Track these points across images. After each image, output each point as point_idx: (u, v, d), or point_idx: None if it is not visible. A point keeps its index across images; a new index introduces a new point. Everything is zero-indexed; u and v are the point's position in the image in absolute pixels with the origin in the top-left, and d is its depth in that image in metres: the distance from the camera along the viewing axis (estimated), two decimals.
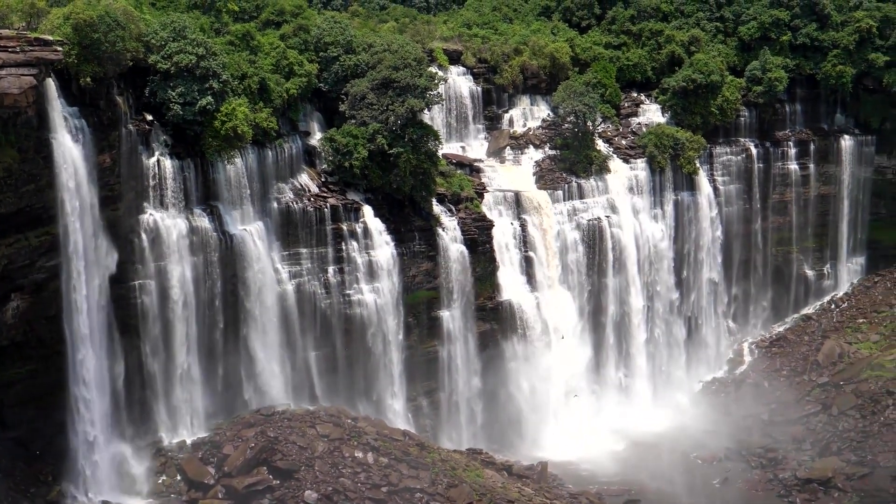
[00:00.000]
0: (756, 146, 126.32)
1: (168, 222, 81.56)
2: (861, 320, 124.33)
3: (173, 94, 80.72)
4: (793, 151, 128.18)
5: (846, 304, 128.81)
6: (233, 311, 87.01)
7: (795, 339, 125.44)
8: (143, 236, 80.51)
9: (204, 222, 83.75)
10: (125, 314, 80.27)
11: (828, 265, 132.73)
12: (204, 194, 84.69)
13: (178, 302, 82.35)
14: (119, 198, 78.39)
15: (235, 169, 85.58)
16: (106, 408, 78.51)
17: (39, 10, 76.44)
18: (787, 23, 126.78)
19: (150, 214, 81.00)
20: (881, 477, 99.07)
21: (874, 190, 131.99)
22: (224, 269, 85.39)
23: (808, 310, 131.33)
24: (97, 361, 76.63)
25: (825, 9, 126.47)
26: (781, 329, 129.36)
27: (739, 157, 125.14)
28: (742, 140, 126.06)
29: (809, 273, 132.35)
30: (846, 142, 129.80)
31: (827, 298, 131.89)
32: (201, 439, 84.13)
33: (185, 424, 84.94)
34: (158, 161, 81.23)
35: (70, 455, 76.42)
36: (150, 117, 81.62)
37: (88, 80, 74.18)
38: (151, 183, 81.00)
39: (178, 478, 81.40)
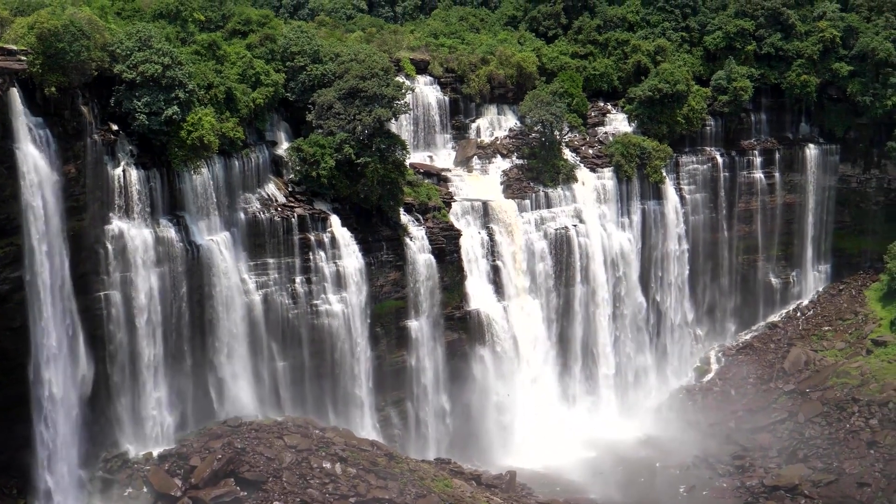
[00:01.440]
0: (722, 155, 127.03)
1: (134, 233, 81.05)
2: (826, 328, 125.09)
3: (139, 103, 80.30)
4: (758, 160, 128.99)
5: (812, 312, 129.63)
6: (199, 322, 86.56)
7: (762, 347, 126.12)
8: (109, 247, 79.97)
9: (170, 233, 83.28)
10: (90, 325, 79.58)
11: (793, 273, 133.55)
12: (170, 204, 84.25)
13: (143, 313, 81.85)
14: (84, 208, 77.86)
15: (202, 179, 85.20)
16: (71, 420, 77.75)
17: (3, 19, 75.98)
18: (751, 33, 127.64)
19: (116, 225, 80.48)
20: (847, 484, 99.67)
21: (839, 198, 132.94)
22: (190, 279, 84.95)
23: (774, 317, 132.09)
24: (62, 373, 75.98)
25: (789, 19, 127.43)
26: (748, 337, 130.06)
27: (705, 166, 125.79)
28: (708, 149, 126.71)
29: (775, 281, 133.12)
30: (811, 151, 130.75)
31: (793, 306, 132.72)
32: (168, 451, 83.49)
33: (152, 436, 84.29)
34: (124, 171, 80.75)
35: (35, 468, 75.58)
36: (115, 127, 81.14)
37: (53, 89, 73.68)
38: (117, 193, 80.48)
39: (145, 490, 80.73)
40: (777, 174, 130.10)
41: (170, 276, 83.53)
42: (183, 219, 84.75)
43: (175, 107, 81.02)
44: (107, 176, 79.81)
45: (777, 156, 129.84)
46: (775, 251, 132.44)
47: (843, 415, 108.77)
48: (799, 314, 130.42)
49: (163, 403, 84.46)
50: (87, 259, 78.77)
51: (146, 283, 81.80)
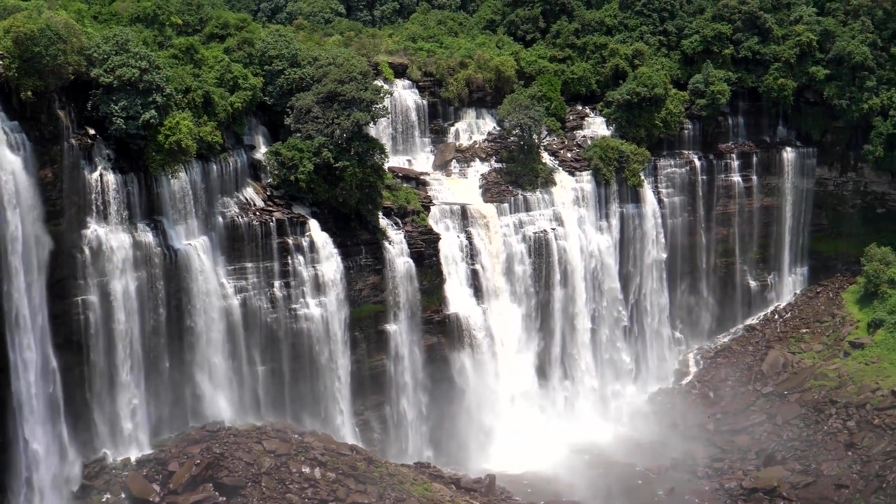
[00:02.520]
0: (700, 158, 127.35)
1: (111, 237, 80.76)
2: (804, 330, 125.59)
3: (116, 107, 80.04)
4: (736, 163, 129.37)
5: (789, 315, 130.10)
6: (177, 327, 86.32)
7: (740, 350, 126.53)
8: (86, 251, 79.67)
9: (147, 237, 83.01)
10: (68, 330, 79.39)
11: (771, 276, 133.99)
12: (148, 209, 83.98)
13: (121, 318, 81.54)
14: (61, 212, 77.54)
15: (180, 183, 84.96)
16: (49, 425, 77.45)
17: None
18: (729, 36, 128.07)
19: (93, 229, 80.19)
20: (825, 485, 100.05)
21: (816, 201, 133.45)
22: (168, 284, 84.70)
23: (752, 320, 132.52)
24: (40, 378, 75.65)
25: (766, 23, 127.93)
26: (726, 339, 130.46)
27: (683, 170, 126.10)
28: (686, 152, 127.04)
29: (753, 284, 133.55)
30: (788, 154, 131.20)
31: (770, 309, 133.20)
32: (146, 456, 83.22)
33: (130, 442, 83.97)
34: (101, 175, 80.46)
35: (13, 473, 75.43)
36: (92, 131, 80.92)
37: (29, 93, 73.47)
38: (94, 197, 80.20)
39: (123, 496, 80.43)
40: (754, 177, 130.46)
41: (147, 280, 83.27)
42: (161, 223, 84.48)
43: (152, 111, 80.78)
44: (84, 180, 79.51)
45: (754, 159, 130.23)
46: (753, 254, 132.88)
47: (821, 417, 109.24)
48: (777, 317, 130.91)
49: (141, 409, 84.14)
50: (65, 264, 78.41)
51: (123, 287, 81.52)
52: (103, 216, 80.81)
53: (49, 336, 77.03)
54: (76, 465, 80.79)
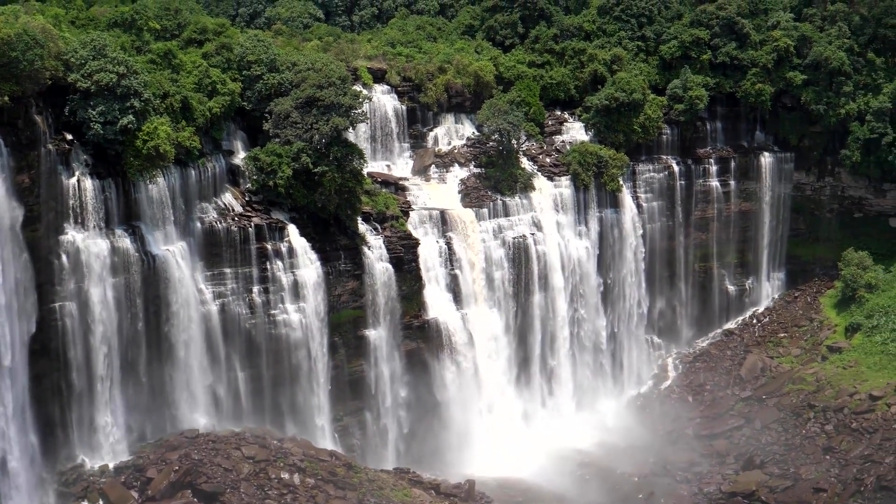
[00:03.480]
0: (678, 163, 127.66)
1: (89, 243, 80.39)
2: (782, 335, 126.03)
3: (94, 112, 79.73)
4: (714, 168, 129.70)
5: (767, 319, 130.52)
6: (156, 333, 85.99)
7: (718, 354, 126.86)
8: (64, 257, 79.29)
9: (125, 243, 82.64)
10: (45, 337, 78.93)
11: (749, 280, 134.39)
12: (126, 214, 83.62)
13: (99, 324, 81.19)
14: (38, 218, 77.22)
15: (158, 188, 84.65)
16: (26, 432, 77.14)
17: None
18: (707, 42, 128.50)
19: (71, 235, 79.80)
20: (804, 489, 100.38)
21: (793, 206, 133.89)
22: (146, 289, 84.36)
23: (730, 325, 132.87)
24: (16, 385, 75.32)
25: (744, 28, 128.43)
26: (705, 344, 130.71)
27: (662, 175, 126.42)
28: (664, 157, 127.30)
29: (731, 288, 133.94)
30: (766, 159, 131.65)
31: (749, 313, 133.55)
32: (124, 463, 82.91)
33: (108, 448, 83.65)
34: (79, 181, 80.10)
35: None
36: (70, 136, 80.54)
37: (6, 98, 73.15)
38: (72, 203, 79.81)
39: (101, 502, 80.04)
40: (732, 182, 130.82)
41: (125, 286, 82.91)
42: (139, 229, 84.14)
43: (130, 116, 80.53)
44: (61, 186, 79.16)
45: (732, 164, 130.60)
46: (731, 258, 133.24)
47: (799, 421, 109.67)
48: (755, 321, 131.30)
49: (119, 415, 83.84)
50: (42, 269, 78.05)
51: (101, 293, 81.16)
52: (81, 222, 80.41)
53: (26, 342, 76.65)
54: (53, 471, 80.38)
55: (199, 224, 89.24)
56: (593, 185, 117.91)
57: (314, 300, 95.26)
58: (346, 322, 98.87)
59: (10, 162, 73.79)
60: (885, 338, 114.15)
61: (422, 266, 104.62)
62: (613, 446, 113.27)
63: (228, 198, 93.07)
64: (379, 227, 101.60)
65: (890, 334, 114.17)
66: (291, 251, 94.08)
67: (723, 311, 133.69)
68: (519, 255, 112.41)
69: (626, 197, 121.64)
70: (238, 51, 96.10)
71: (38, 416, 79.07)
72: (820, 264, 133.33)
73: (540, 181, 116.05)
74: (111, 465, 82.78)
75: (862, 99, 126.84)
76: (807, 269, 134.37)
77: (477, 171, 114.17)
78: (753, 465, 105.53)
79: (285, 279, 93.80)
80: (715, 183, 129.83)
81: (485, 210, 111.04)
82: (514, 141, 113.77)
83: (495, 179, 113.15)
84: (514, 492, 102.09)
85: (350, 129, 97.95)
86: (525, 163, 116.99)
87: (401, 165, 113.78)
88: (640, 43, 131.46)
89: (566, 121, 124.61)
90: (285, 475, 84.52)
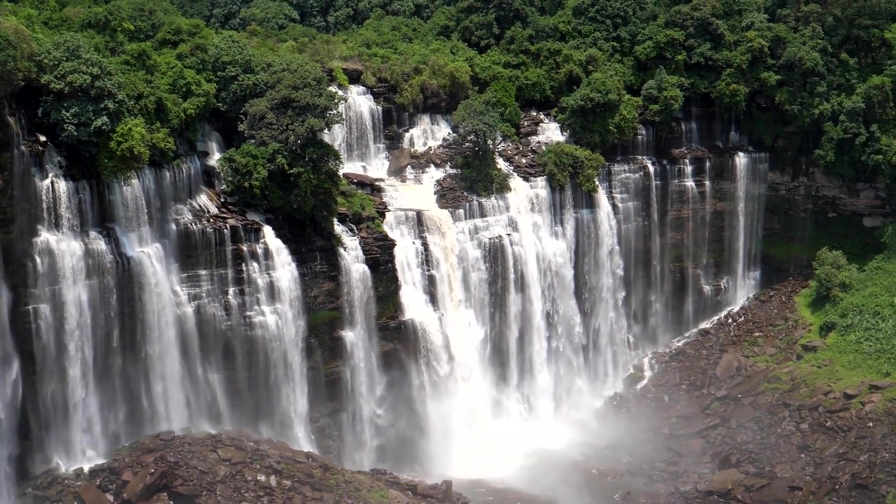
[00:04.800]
0: (653, 164, 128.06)
1: (63, 245, 79.99)
2: (757, 334, 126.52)
3: (67, 114, 79.31)
4: (689, 169, 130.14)
5: (742, 318, 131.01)
6: (131, 335, 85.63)
7: (694, 354, 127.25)
8: (38, 259, 78.88)
9: (100, 245, 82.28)
10: (19, 339, 78.46)
11: (724, 280, 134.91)
12: (100, 216, 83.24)
13: (73, 326, 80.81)
14: (12, 220, 76.81)
15: (132, 190, 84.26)
16: (0, 436, 76.63)
17: None
18: (681, 42, 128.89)
19: (45, 237, 79.41)
20: (779, 487, 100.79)
21: (768, 206, 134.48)
22: (121, 292, 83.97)
23: (705, 324, 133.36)
24: None
25: (718, 29, 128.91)
26: (680, 343, 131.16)
27: (637, 175, 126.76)
28: (640, 158, 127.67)
29: (706, 288, 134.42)
30: (740, 159, 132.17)
31: (724, 313, 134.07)
32: (99, 466, 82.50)
33: (83, 451, 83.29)
34: (52, 183, 79.70)
35: None
36: (43, 138, 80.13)
37: None
38: (45, 205, 79.40)
39: None
40: (707, 182, 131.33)
41: (100, 288, 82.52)
42: (113, 231, 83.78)
43: (104, 117, 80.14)
44: (35, 188, 78.75)
45: (707, 164, 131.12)
46: (706, 258, 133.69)
47: (775, 419, 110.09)
48: (730, 320, 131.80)
49: (94, 418, 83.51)
50: (16, 272, 77.60)
51: (76, 296, 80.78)
52: (55, 224, 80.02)
53: (1, 345, 76.27)
54: (28, 475, 79.94)
55: (174, 226, 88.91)
56: (569, 186, 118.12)
57: (290, 302, 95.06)
58: (322, 323, 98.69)
59: None
60: (859, 336, 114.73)
61: (398, 267, 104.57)
62: (590, 446, 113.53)
63: (204, 199, 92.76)
64: (355, 229, 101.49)
65: (864, 333, 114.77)
66: (267, 253, 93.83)
67: (698, 310, 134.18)
68: (495, 256, 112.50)
69: (602, 197, 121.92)
70: (213, 52, 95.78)
71: (11, 420, 78.53)
72: (794, 264, 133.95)
73: (516, 182, 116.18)
74: (86, 469, 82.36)
75: (836, 99, 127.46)
76: (781, 269, 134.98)
77: (453, 171, 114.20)
78: (729, 464, 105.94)
79: (261, 281, 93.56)
80: (690, 183, 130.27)
81: (461, 211, 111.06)
82: (489, 142, 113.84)
83: (471, 180, 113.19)
84: (491, 492, 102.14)
85: (326, 131, 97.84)
86: (501, 163, 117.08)
87: (377, 166, 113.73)
88: (615, 44, 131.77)
89: (542, 121, 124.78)
90: (262, 477, 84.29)
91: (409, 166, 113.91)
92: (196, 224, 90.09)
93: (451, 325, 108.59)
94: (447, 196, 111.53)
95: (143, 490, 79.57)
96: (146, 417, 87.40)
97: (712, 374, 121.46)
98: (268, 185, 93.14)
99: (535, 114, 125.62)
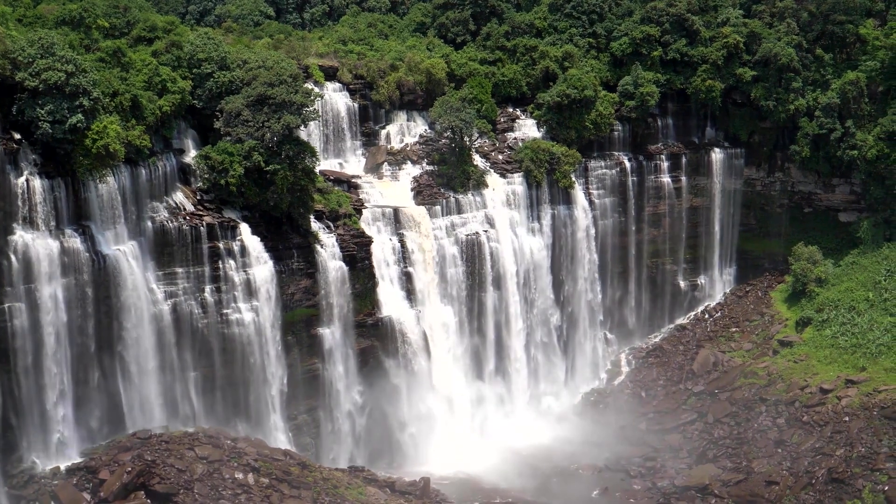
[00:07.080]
0: (630, 160, 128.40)
1: (38, 243, 79.47)
2: (734, 329, 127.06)
3: (42, 112, 78.80)
4: (665, 164, 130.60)
5: (719, 314, 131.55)
6: (107, 333, 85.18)
7: (671, 349, 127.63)
8: (13, 258, 78.35)
9: (75, 243, 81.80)
10: None
11: (701, 276, 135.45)
12: (75, 214, 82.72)
13: (49, 325, 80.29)
14: None
15: (108, 188, 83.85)
16: None
17: None
18: (657, 39, 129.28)
19: (20, 235, 78.83)
20: (756, 482, 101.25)
21: (744, 201, 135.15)
22: (97, 290, 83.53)
23: (682, 320, 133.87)
24: None
25: (694, 25, 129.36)
26: (657, 339, 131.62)
27: (614, 171, 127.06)
28: (616, 154, 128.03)
29: (683, 283, 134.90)
30: (716, 155, 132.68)
31: (701, 308, 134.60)
32: (76, 465, 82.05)
33: (59, 450, 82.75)
34: (27, 181, 79.14)
35: None
36: (18, 136, 79.56)
37: None
38: (20, 203, 78.82)
39: None
40: (684, 178, 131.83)
41: (76, 286, 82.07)
42: (89, 228, 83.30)
43: (79, 115, 79.68)
44: (9, 185, 78.19)
45: (683, 160, 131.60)
46: (683, 254, 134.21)
47: (751, 414, 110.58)
48: (707, 316, 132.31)
49: (70, 416, 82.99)
50: None
51: (51, 294, 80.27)
52: (30, 222, 79.48)
53: None
54: (4, 474, 79.46)
55: (150, 223, 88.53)
56: (546, 182, 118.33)
57: (267, 299, 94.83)
58: (299, 321, 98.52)
59: None
60: (834, 331, 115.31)
61: (375, 264, 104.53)
62: (568, 442, 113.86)
63: (180, 197, 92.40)
64: (332, 226, 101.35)
65: (840, 328, 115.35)
66: (244, 250, 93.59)
67: (675, 306, 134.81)
68: (472, 252, 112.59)
69: (579, 193, 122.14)
70: (188, 49, 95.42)
71: None
72: (770, 259, 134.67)
73: (492, 178, 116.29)
74: (63, 467, 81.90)
75: (811, 95, 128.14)
76: (757, 264, 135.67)
77: (430, 168, 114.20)
78: (706, 459, 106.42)
79: (238, 278, 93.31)
80: (666, 179, 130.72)
81: (437, 207, 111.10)
82: (466, 138, 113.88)
83: (448, 177, 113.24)
84: (468, 489, 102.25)
85: (302, 127, 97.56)
86: (477, 160, 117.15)
87: (353, 163, 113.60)
88: (591, 40, 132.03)
89: (518, 118, 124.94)
90: (239, 475, 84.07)
91: (385, 163, 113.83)
92: (172, 222, 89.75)
93: (429, 321, 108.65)
94: (424, 193, 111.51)
95: (120, 489, 79.21)
96: (123, 416, 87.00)
97: (689, 370, 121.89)
98: (244, 183, 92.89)
99: (511, 110, 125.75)
